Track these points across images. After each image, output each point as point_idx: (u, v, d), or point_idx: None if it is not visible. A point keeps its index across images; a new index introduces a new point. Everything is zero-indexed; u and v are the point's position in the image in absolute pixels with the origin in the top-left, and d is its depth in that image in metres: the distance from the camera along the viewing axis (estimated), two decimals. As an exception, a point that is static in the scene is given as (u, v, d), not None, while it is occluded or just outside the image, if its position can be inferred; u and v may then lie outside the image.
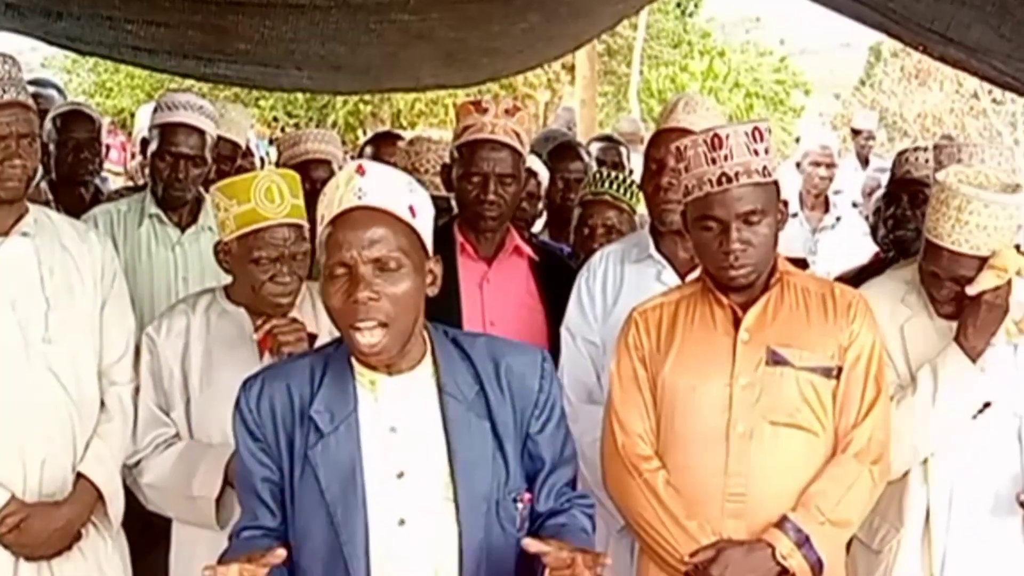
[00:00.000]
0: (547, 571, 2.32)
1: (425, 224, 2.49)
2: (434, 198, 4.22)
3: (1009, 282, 3.27)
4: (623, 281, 3.81)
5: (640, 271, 3.79)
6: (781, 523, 3.02)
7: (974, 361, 3.30)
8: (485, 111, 3.82)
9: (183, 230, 4.42)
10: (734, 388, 3.08)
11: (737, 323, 3.11)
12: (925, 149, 4.66)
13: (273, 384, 2.52)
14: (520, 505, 2.51)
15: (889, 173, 4.70)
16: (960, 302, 3.31)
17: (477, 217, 3.88)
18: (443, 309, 3.80)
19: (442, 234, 4.01)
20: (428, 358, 2.52)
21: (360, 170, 2.44)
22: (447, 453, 2.46)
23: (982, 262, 3.25)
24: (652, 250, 3.80)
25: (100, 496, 3.44)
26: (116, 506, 3.47)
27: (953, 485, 3.37)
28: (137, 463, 3.49)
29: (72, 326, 3.41)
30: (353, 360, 2.50)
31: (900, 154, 4.64)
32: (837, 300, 3.15)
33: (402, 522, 2.45)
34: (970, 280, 3.26)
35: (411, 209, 2.45)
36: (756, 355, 3.08)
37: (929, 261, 3.34)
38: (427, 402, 2.49)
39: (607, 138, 6.83)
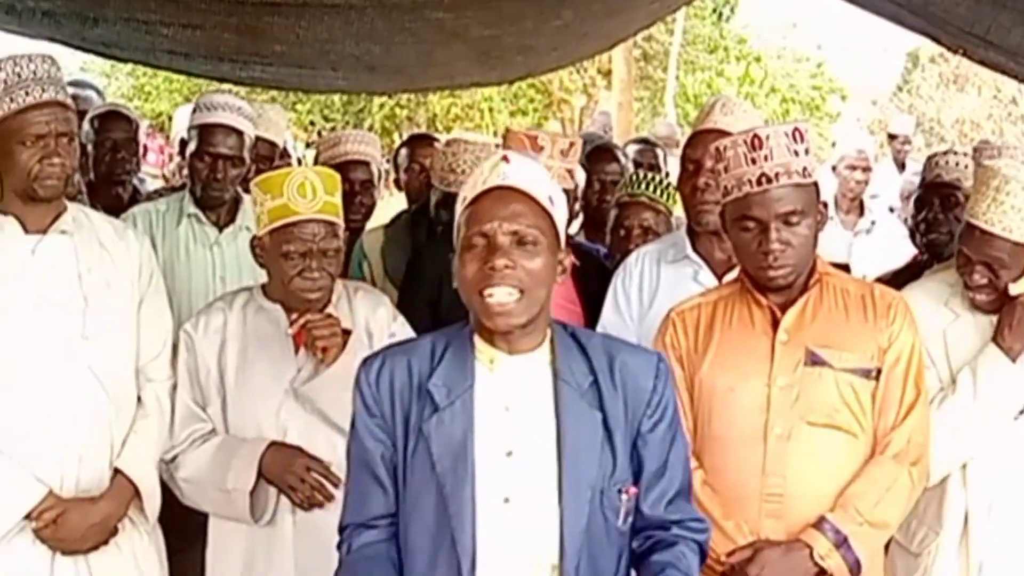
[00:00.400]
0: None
1: (561, 216, 2.57)
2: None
3: None
4: (659, 282, 3.80)
5: (676, 271, 3.78)
6: (819, 524, 3.01)
7: (1013, 361, 3.27)
8: (541, 150, 3.77)
9: (221, 230, 4.44)
10: (772, 389, 3.06)
11: (776, 324, 3.10)
12: (955, 152, 4.66)
13: (393, 360, 2.58)
14: (625, 497, 2.52)
15: (920, 178, 4.68)
16: (993, 291, 3.30)
17: None
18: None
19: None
20: (547, 344, 2.56)
21: (506, 159, 2.54)
22: (556, 436, 2.50)
23: (1014, 248, 3.23)
24: (689, 251, 3.79)
25: (137, 492, 3.45)
26: (153, 502, 3.49)
27: (994, 489, 3.34)
28: (174, 458, 3.52)
29: (110, 324, 3.42)
30: (475, 338, 2.55)
31: (930, 158, 4.63)
32: (877, 301, 3.13)
33: (507, 500, 2.48)
34: (1001, 265, 3.25)
35: (550, 199, 2.53)
36: (795, 356, 3.07)
37: (963, 242, 3.33)
38: (542, 385, 2.53)
39: (643, 140, 6.82)
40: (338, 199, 3.47)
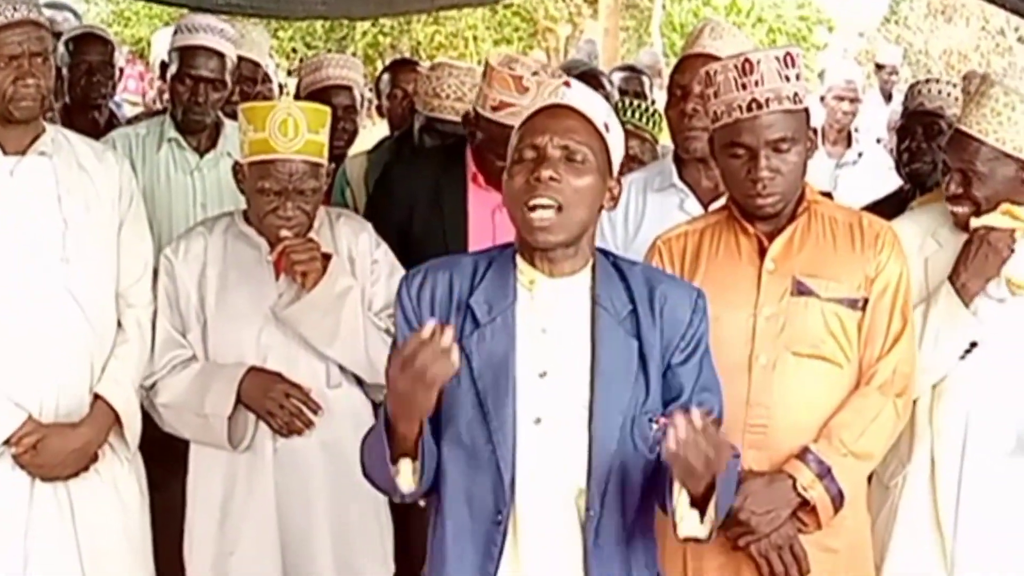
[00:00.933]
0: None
1: (615, 145, 2.56)
2: (453, 123, 4.23)
3: (1014, 232, 3.22)
4: (645, 210, 3.77)
5: (663, 200, 3.74)
6: (803, 455, 2.99)
7: (966, 303, 3.24)
8: (526, 91, 3.68)
9: (202, 155, 4.39)
10: (758, 318, 3.04)
11: (763, 252, 3.07)
12: (938, 81, 4.62)
13: (436, 275, 2.57)
14: (655, 426, 2.51)
15: (902, 107, 4.65)
16: (968, 203, 3.25)
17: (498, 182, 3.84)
18: (451, 237, 3.78)
19: (454, 160, 3.98)
20: (588, 269, 2.56)
21: (567, 83, 2.55)
22: (591, 361, 2.49)
23: (989, 155, 3.19)
24: (675, 179, 3.75)
25: (117, 418, 3.43)
26: (133, 428, 3.48)
27: (969, 424, 3.31)
28: (153, 384, 3.50)
29: (90, 247, 3.39)
30: (517, 259, 2.55)
31: (912, 86, 4.58)
32: (865, 230, 3.10)
33: (538, 421, 2.48)
34: (975, 173, 3.21)
35: (606, 125, 2.53)
36: (781, 285, 3.04)
37: (945, 150, 3.30)
38: (580, 309, 2.53)
39: (629, 68, 6.76)
40: (323, 137, 3.44)
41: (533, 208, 2.44)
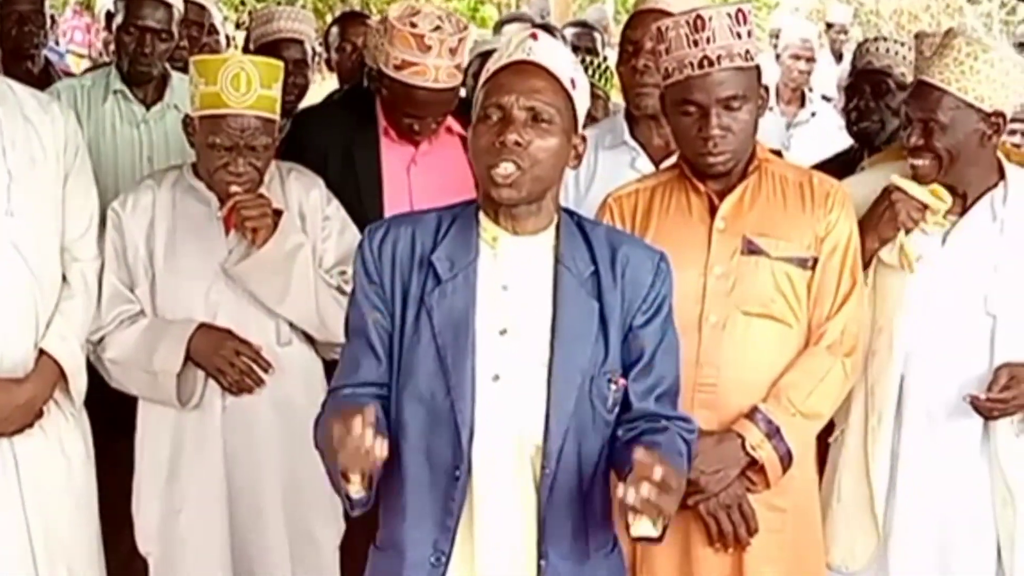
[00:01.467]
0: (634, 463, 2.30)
1: (582, 101, 2.53)
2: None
3: (923, 208, 3.22)
4: (596, 168, 3.75)
5: (613, 157, 3.73)
6: (752, 414, 3.00)
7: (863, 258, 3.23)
8: (428, 49, 3.63)
9: (148, 108, 4.33)
10: (708, 277, 3.04)
11: (713, 211, 3.06)
12: (886, 39, 4.60)
13: (398, 229, 2.56)
14: (613, 387, 2.51)
15: (851, 65, 4.64)
16: (930, 155, 3.22)
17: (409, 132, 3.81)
18: (365, 191, 3.74)
19: (366, 112, 3.92)
20: (552, 228, 2.54)
21: (534, 36, 2.51)
22: (552, 320, 2.48)
23: (951, 105, 3.17)
24: (626, 136, 3.74)
25: (62, 373, 3.39)
26: (78, 384, 3.43)
27: (904, 381, 3.31)
28: (101, 339, 3.46)
29: (35, 200, 3.33)
30: (480, 216, 2.54)
31: (861, 45, 4.56)
32: (815, 189, 3.10)
33: (496, 378, 2.47)
34: (938, 124, 3.18)
35: (572, 81, 2.50)
36: (731, 244, 3.04)
37: (907, 101, 3.27)
38: (542, 268, 2.52)
39: (581, 24, 6.72)
40: (276, 92, 3.40)
41: (496, 166, 2.42)
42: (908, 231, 3.25)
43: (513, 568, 2.49)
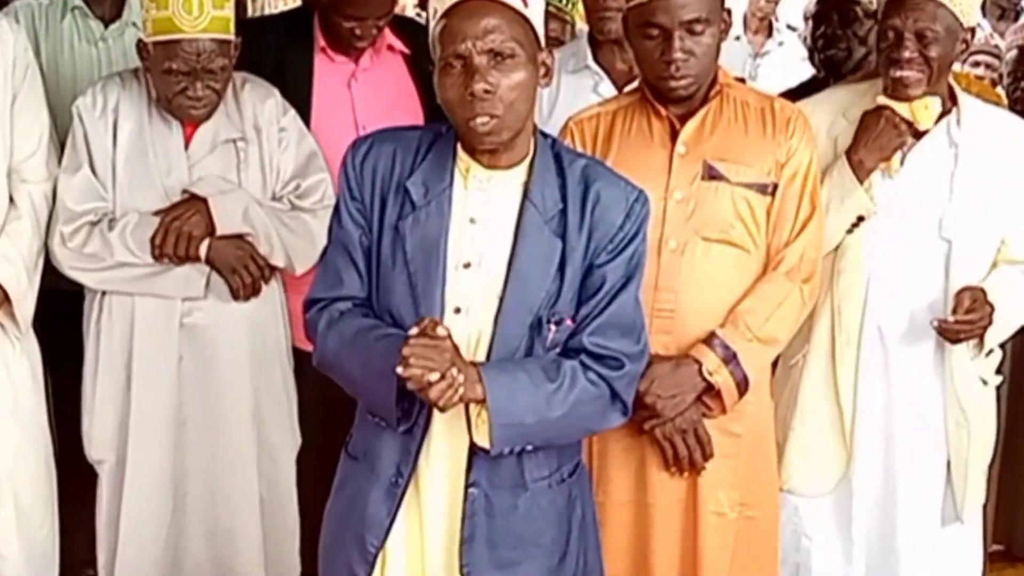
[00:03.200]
0: None
1: (537, 15, 2.48)
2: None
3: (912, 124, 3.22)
4: (559, 92, 3.75)
5: (577, 82, 3.72)
6: (709, 339, 3.00)
7: (860, 179, 3.24)
8: None
9: (107, 25, 4.26)
10: (668, 202, 3.02)
11: (674, 135, 3.04)
12: None
13: (381, 147, 2.54)
14: (554, 328, 2.48)
15: None
16: (924, 67, 3.20)
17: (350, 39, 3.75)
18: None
19: (300, 31, 3.86)
20: (526, 163, 2.51)
21: None
22: (510, 255, 2.47)
23: (945, 18, 3.16)
24: (590, 60, 3.72)
25: (7, 296, 3.35)
26: (25, 308, 3.38)
27: (866, 304, 3.33)
28: (76, 233, 3.41)
29: None
30: (458, 145, 2.51)
31: None
32: (776, 115, 3.08)
33: (457, 310, 2.47)
34: (934, 36, 3.16)
35: (524, 1, 2.44)
36: (692, 169, 3.02)
37: (889, 15, 3.21)
38: (510, 203, 2.49)
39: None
40: (229, 11, 3.36)
41: (474, 119, 2.39)
42: (903, 143, 3.26)
43: (453, 496, 2.50)
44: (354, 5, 3.66)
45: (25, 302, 3.38)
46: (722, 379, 2.99)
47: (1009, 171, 3.33)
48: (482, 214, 2.49)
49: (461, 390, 2.33)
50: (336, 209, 2.57)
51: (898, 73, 3.22)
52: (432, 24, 2.47)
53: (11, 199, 3.37)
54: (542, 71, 2.48)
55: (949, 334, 3.24)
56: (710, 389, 3.00)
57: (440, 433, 2.49)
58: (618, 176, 2.59)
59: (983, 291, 3.25)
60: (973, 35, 3.25)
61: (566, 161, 2.54)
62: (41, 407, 3.50)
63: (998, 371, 3.47)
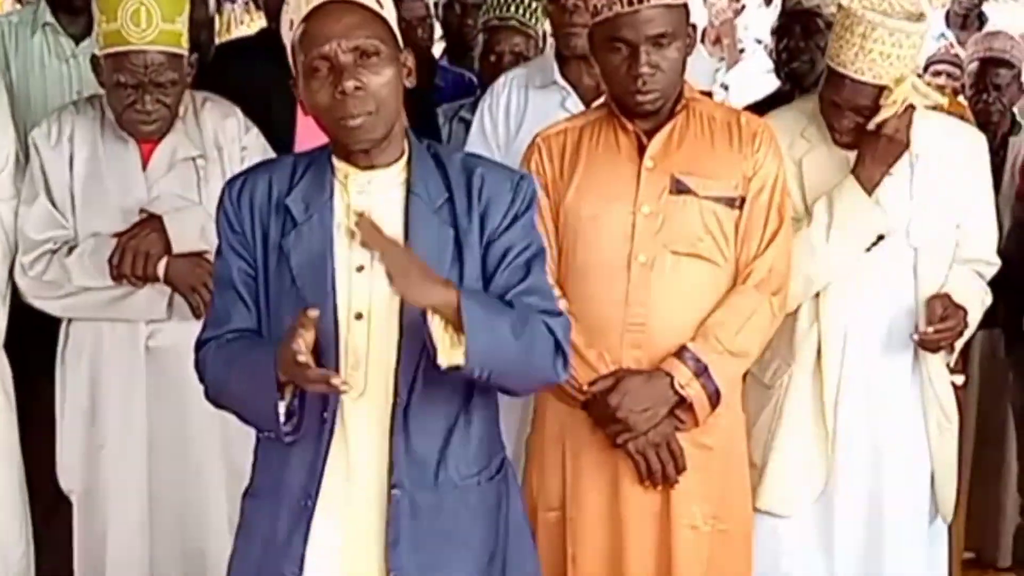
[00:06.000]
0: None
1: (391, 16, 2.48)
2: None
3: (909, 112, 3.23)
4: (527, 107, 3.75)
5: (544, 97, 3.72)
6: (680, 353, 3.00)
7: (869, 193, 3.27)
8: None
9: (78, 42, 4.24)
10: (637, 217, 3.03)
11: (642, 150, 3.04)
12: None
13: (255, 178, 2.52)
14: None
15: (780, 6, 4.65)
16: (861, 134, 3.27)
17: None
18: (278, 130, 3.67)
19: (282, 50, 3.85)
20: (403, 160, 2.51)
21: None
22: None
23: (882, 91, 3.21)
24: (557, 76, 3.73)
25: None
26: None
27: (847, 320, 3.36)
28: (36, 262, 3.40)
29: None
30: (332, 158, 2.49)
31: None
32: (743, 128, 3.09)
33: (359, 316, 2.45)
34: (872, 110, 3.22)
35: (378, 1, 2.44)
36: (660, 183, 3.03)
37: (831, 90, 3.29)
38: (393, 200, 2.48)
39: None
40: (180, 25, 3.35)
41: (347, 121, 2.38)
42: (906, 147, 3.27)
43: (378, 503, 2.46)
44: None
45: None
46: (694, 392, 2.99)
47: (961, 174, 3.39)
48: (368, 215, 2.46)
49: None
50: (219, 250, 2.55)
51: (835, 135, 3.33)
52: (286, 32, 2.46)
53: None
54: (404, 72, 2.47)
55: (929, 344, 3.29)
56: (682, 402, 3.00)
57: (356, 442, 2.46)
58: (498, 163, 2.60)
59: (948, 296, 3.29)
60: (925, 70, 3.29)
61: (443, 155, 2.54)
62: (12, 426, 3.50)
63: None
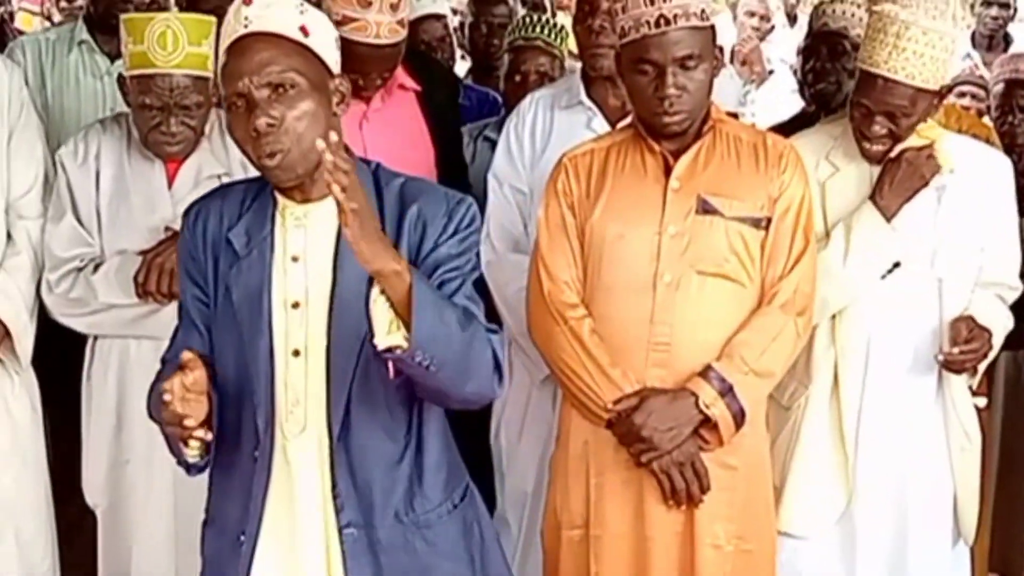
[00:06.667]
0: None
1: (322, 43, 2.44)
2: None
3: (932, 146, 3.25)
4: (552, 128, 3.75)
5: (570, 118, 3.72)
6: (705, 372, 3.01)
7: (887, 220, 3.28)
8: (369, 5, 3.56)
9: (113, 60, 4.28)
10: (663, 237, 3.04)
11: (668, 171, 3.06)
12: (842, 1, 4.62)
13: (209, 207, 2.52)
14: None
15: (807, 28, 4.65)
16: (892, 141, 3.28)
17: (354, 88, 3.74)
18: None
19: None
20: None
21: (246, 1, 2.41)
22: (331, 286, 2.43)
23: (915, 94, 3.21)
24: (583, 96, 3.73)
25: (7, 332, 3.36)
26: (24, 342, 3.41)
27: (869, 342, 3.36)
28: (61, 280, 3.42)
29: None
30: (275, 189, 2.48)
31: (816, 7, 4.58)
32: (769, 150, 3.10)
33: (296, 353, 2.43)
34: (904, 112, 3.23)
35: (303, 29, 2.41)
36: (686, 204, 3.04)
37: (862, 94, 3.28)
38: (327, 234, 2.45)
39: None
40: (207, 48, 3.36)
41: (264, 161, 2.37)
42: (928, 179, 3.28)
43: (325, 541, 2.45)
44: (357, 62, 3.66)
45: (25, 337, 3.40)
46: (719, 411, 2.99)
47: (986, 198, 3.39)
48: (303, 251, 2.45)
49: None
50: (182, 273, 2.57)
51: (865, 144, 3.30)
52: (218, 66, 2.46)
53: (8, 236, 3.40)
54: (336, 98, 2.45)
55: (954, 366, 3.29)
56: (707, 422, 3.01)
57: (300, 479, 2.45)
58: (439, 188, 2.55)
59: (972, 318, 3.29)
60: (950, 88, 3.29)
61: (383, 181, 2.49)
62: (40, 442, 3.52)
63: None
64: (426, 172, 3.80)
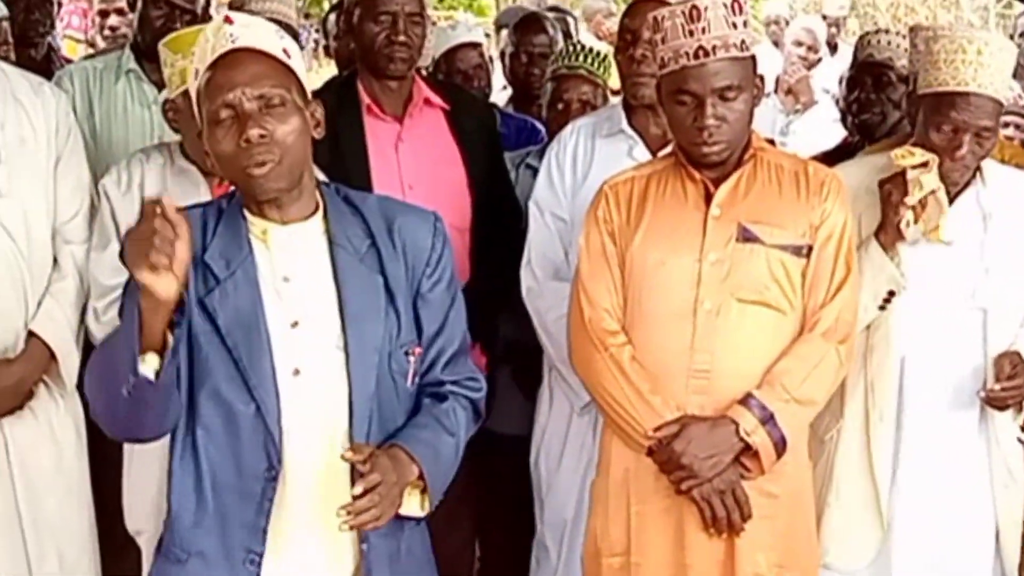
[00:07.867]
0: None
1: (300, 68, 2.48)
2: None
3: (904, 175, 3.20)
4: (594, 155, 3.76)
5: (611, 146, 3.74)
6: (746, 400, 3.00)
7: (886, 250, 3.25)
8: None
9: (160, 88, 4.32)
10: (703, 264, 3.04)
11: (709, 199, 3.06)
12: (887, 32, 4.62)
13: None
14: (412, 358, 2.50)
15: (852, 58, 4.66)
16: (977, 161, 3.25)
17: (387, 60, 3.77)
18: (353, 173, 3.73)
19: (346, 93, 3.90)
20: (320, 212, 2.51)
21: (228, 20, 2.43)
22: (338, 303, 2.45)
23: (994, 108, 3.19)
24: (624, 124, 3.74)
25: (52, 356, 3.39)
26: (69, 366, 3.42)
27: (903, 376, 3.33)
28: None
29: (24, 181, 3.33)
30: (246, 211, 2.48)
31: (862, 38, 4.59)
32: (810, 178, 3.10)
33: (297, 372, 2.44)
34: (989, 130, 3.20)
35: (285, 51, 2.44)
36: (727, 231, 3.04)
37: (945, 117, 3.20)
38: (318, 253, 2.48)
39: (555, 8, 6.76)
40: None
41: (253, 170, 2.37)
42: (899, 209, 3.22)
43: (336, 557, 2.49)
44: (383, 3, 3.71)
45: (70, 361, 3.42)
46: (759, 439, 2.99)
47: None
48: (295, 271, 2.47)
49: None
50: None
51: (949, 167, 3.22)
52: (192, 83, 2.46)
53: (55, 260, 3.43)
54: (313, 123, 2.47)
55: (997, 402, 3.25)
56: (747, 450, 3.01)
57: (305, 495, 2.47)
58: (409, 204, 2.64)
59: (1018, 354, 3.26)
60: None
61: (358, 201, 2.54)
62: (84, 465, 3.53)
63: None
64: (459, 190, 3.82)
